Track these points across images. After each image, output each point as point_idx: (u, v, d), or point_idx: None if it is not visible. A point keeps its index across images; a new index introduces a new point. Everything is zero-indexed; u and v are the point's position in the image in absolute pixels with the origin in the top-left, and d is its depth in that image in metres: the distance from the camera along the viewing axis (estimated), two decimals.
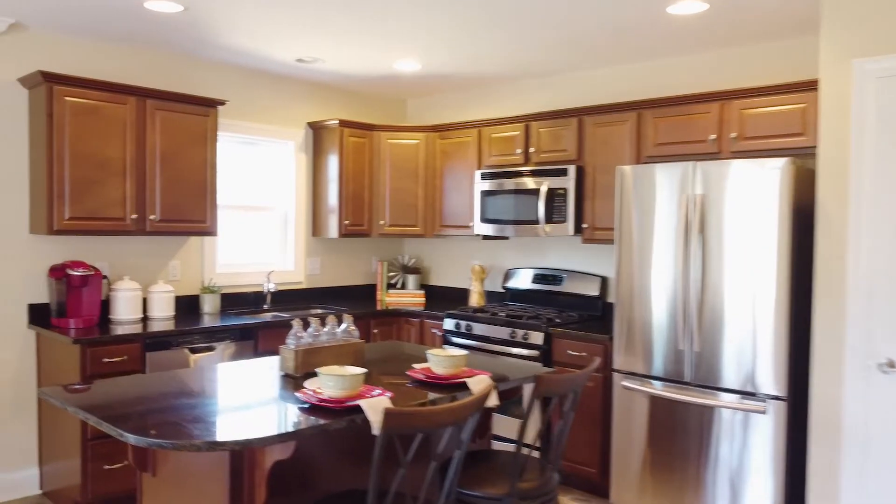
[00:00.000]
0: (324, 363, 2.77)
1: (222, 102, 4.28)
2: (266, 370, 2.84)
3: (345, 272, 5.46)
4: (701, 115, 3.77)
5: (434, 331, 4.74)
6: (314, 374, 2.72)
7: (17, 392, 3.83)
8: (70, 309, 3.79)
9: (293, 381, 2.65)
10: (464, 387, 2.58)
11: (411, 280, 5.44)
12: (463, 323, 4.50)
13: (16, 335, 3.82)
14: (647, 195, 3.59)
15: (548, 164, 4.45)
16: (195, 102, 4.17)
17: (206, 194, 4.24)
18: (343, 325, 2.94)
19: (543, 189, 4.33)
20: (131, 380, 2.64)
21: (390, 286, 5.54)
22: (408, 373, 2.74)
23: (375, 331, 4.81)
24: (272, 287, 4.79)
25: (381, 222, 5.14)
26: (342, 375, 2.23)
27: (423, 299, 5.21)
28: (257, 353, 4.16)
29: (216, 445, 1.92)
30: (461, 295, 5.41)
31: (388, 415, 1.84)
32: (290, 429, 2.04)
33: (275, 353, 4.20)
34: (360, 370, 2.32)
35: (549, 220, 4.32)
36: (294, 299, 5.09)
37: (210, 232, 4.28)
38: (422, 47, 4.12)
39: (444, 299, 5.48)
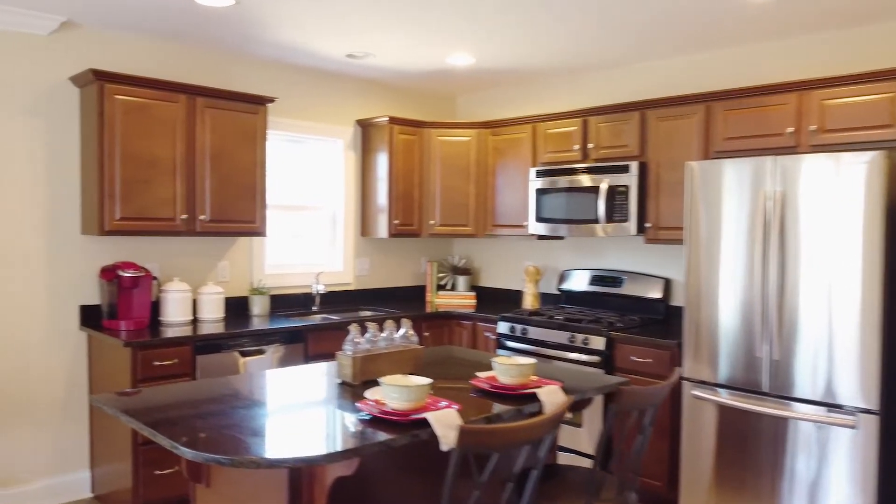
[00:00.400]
0: (382, 370, 2.63)
1: (272, 100, 4.18)
2: (322, 377, 2.71)
3: (394, 273, 5.34)
4: (777, 106, 3.52)
5: (487, 334, 4.58)
6: (373, 382, 2.58)
7: (68, 394, 3.79)
8: (121, 311, 3.73)
9: (351, 389, 2.51)
10: (533, 398, 2.41)
11: (461, 281, 5.29)
12: (518, 326, 4.32)
13: (68, 337, 3.78)
14: (719, 192, 3.37)
15: (608, 160, 4.25)
16: (245, 100, 4.08)
17: (256, 194, 4.15)
18: (401, 331, 2.79)
19: (603, 187, 4.13)
20: (184, 387, 2.54)
21: (440, 287, 5.39)
22: (472, 381, 2.58)
23: (426, 334, 4.67)
24: (321, 288, 4.69)
25: (432, 222, 4.99)
26: (407, 386, 2.08)
27: (474, 301, 5.05)
28: (307, 356, 4.05)
29: (277, 463, 1.79)
30: (513, 297, 5.24)
31: (464, 433, 1.69)
32: (354, 444, 1.90)
33: (325, 356, 4.09)
34: (426, 381, 2.18)
35: (609, 219, 4.12)
36: (343, 301, 4.99)
37: (259, 232, 4.18)
38: (476, 40, 3.96)
39: (496, 301, 5.32)
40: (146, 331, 3.65)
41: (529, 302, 4.77)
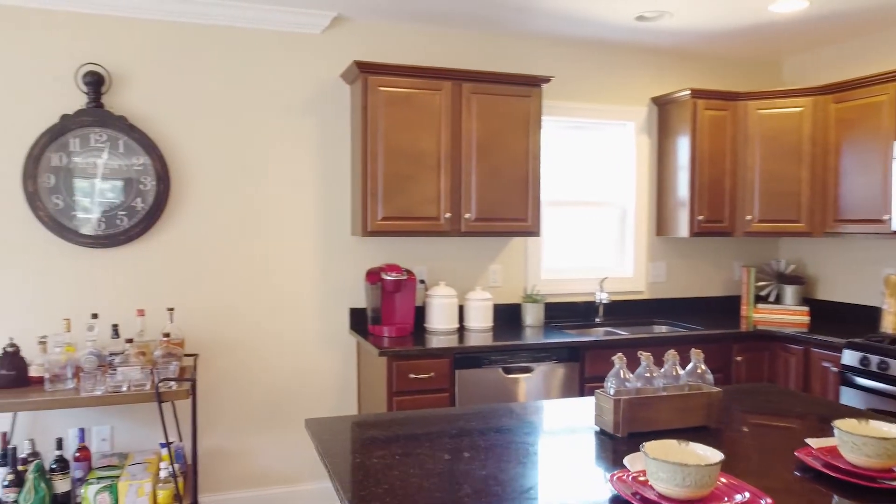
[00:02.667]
0: (658, 419, 1.90)
1: (547, 79, 3.64)
2: (581, 419, 2.08)
3: (697, 280, 4.41)
4: None
5: (826, 364, 3.44)
6: (644, 436, 1.86)
7: (339, 398, 3.71)
8: (384, 315, 3.52)
9: (612, 444, 1.83)
10: None
11: (790, 292, 4.15)
12: (873, 358, 3.14)
13: (339, 341, 3.70)
14: None
15: None
16: (516, 82, 3.60)
17: (528, 189, 3.65)
18: (690, 364, 2.02)
19: None
20: (422, 417, 2.11)
21: (759, 299, 4.32)
22: (797, 453, 1.71)
23: (738, 358, 3.69)
24: (605, 297, 4.01)
25: (748, 217, 3.98)
26: (683, 465, 1.35)
27: (807, 318, 3.91)
28: (583, 378, 3.42)
29: None
30: (865, 315, 3.95)
31: None
32: None
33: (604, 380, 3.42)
34: (713, 455, 1.41)
35: None
36: (632, 312, 4.24)
37: (532, 232, 3.67)
38: None
39: (839, 320, 4.07)
40: (409, 338, 3.38)
41: (891, 324, 3.49)
